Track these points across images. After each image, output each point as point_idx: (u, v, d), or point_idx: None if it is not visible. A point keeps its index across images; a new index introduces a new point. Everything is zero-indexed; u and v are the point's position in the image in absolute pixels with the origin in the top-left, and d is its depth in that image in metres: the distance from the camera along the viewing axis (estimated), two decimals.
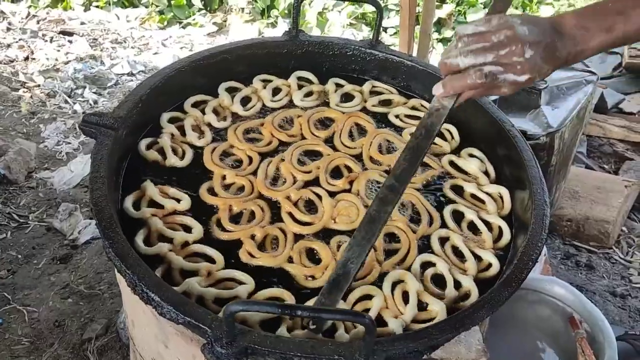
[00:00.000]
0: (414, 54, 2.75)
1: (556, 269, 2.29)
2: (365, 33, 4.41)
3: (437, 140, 1.31)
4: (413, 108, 1.41)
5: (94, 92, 3.29)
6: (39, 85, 3.27)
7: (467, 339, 0.98)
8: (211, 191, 1.15)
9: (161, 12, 4.40)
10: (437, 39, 4.34)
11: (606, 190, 2.46)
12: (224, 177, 1.17)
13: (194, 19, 4.40)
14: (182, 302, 0.86)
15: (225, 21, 4.48)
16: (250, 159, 1.22)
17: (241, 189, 1.16)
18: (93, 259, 2.17)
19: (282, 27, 4.35)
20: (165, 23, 4.36)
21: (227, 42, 1.46)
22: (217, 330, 0.81)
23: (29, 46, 3.67)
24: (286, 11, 4.48)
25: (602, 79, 3.06)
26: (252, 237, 1.06)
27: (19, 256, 2.17)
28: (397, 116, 1.38)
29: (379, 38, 1.46)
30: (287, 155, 1.23)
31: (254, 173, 1.19)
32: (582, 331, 1.52)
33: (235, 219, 1.11)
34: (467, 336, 0.98)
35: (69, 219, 2.31)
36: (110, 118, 1.11)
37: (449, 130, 1.35)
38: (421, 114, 1.37)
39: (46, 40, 3.78)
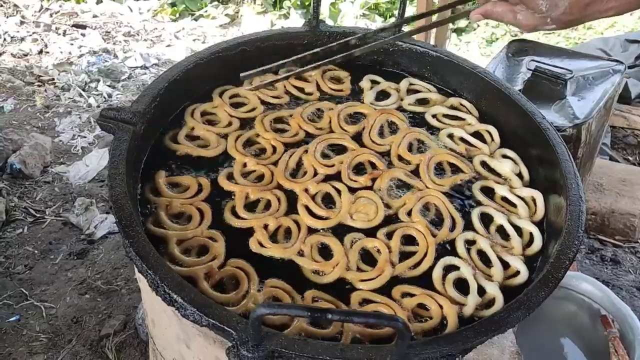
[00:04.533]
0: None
1: (581, 263, 2.23)
2: (378, 24, 4.34)
3: (476, 142, 1.25)
4: (452, 107, 1.34)
5: (108, 86, 3.27)
6: (53, 79, 3.26)
7: (500, 341, 0.95)
8: (230, 178, 1.12)
9: (173, 4, 4.37)
10: (451, 29, 4.26)
11: (631, 182, 2.40)
12: (244, 165, 1.15)
13: (206, 11, 4.37)
14: (206, 304, 0.83)
15: (237, 13, 4.44)
16: (274, 149, 1.19)
17: (260, 177, 1.14)
18: (110, 254, 2.16)
19: (295, 18, 4.29)
20: (178, 15, 4.33)
21: (242, 34, 1.42)
22: (242, 333, 0.78)
23: (43, 40, 3.66)
24: (298, 2, 4.42)
25: None
26: (265, 226, 1.04)
27: (36, 251, 2.16)
28: (434, 116, 1.32)
29: (402, 28, 1.41)
30: (311, 147, 1.19)
31: (276, 163, 1.16)
32: (614, 330, 1.48)
33: (251, 207, 1.08)
34: (500, 338, 0.94)
35: (85, 213, 2.29)
36: (129, 113, 1.08)
37: (488, 132, 1.28)
38: (460, 114, 1.32)
39: (59, 34, 3.77)
